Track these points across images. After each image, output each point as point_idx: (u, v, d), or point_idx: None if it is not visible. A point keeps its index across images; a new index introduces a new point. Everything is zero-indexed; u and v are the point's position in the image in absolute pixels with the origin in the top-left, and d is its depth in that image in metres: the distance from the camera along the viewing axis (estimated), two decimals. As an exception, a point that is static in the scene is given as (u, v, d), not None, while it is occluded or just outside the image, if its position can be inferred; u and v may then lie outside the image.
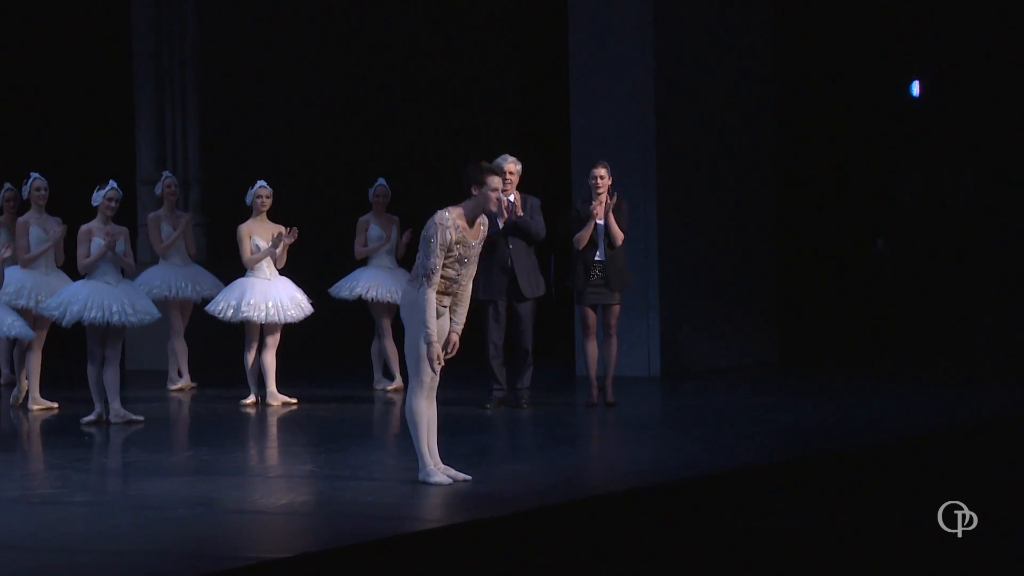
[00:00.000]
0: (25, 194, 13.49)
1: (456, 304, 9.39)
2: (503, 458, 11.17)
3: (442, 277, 9.22)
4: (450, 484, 9.38)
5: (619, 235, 12.93)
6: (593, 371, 13.11)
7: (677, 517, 9.14)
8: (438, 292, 9.25)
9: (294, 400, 13.54)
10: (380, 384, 14.43)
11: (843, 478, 10.14)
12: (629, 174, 14.81)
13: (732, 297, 15.94)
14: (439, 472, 9.47)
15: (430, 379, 9.36)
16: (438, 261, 9.14)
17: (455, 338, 9.40)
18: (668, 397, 14.28)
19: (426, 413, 9.43)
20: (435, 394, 9.50)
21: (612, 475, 10.45)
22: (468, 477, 9.51)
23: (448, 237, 9.14)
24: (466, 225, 9.24)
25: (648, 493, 9.44)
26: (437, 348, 9.24)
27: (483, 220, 9.36)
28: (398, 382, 14.28)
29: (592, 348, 13.11)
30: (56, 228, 13.20)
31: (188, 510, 9.09)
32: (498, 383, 13.01)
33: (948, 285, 17.03)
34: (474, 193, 9.21)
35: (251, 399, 13.52)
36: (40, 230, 13.39)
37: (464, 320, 9.44)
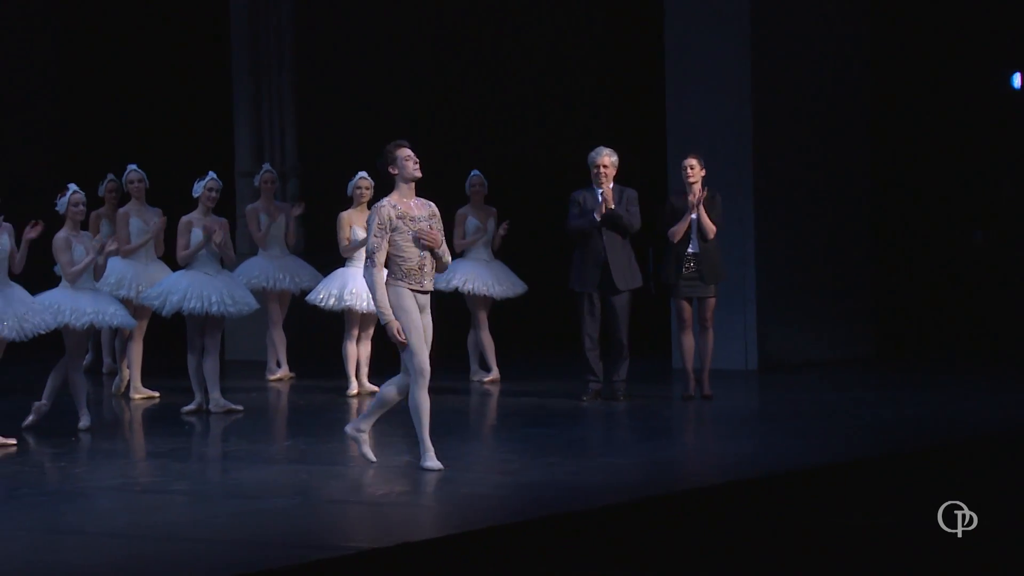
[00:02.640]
0: (103, 189, 13.72)
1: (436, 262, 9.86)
2: (599, 450, 11.17)
3: (407, 259, 9.68)
4: (441, 469, 9.78)
5: (711, 228, 12.88)
6: (689, 364, 13.08)
7: (773, 511, 9.09)
8: (412, 275, 9.70)
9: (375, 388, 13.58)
10: (477, 376, 14.46)
11: (941, 474, 10.05)
12: (725, 167, 14.75)
13: (829, 290, 15.84)
14: (436, 460, 9.88)
15: (427, 367, 9.80)
16: (377, 241, 9.66)
17: (438, 237, 9.80)
18: (765, 390, 14.22)
19: (427, 403, 9.89)
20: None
21: (708, 468, 10.42)
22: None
23: (386, 215, 9.71)
24: (404, 201, 9.81)
25: (744, 487, 9.41)
26: (396, 325, 9.63)
27: (424, 201, 9.89)
28: (495, 374, 14.31)
29: (688, 341, 13.07)
30: (156, 219, 13.36)
31: (286, 499, 9.17)
32: (594, 375, 13.01)
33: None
34: (394, 172, 9.87)
35: (354, 389, 13.58)
36: (140, 221, 13.55)
37: (448, 258, 9.93)
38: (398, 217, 9.75)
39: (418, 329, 9.74)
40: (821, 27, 15.81)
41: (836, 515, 8.85)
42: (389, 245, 9.72)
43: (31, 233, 11.26)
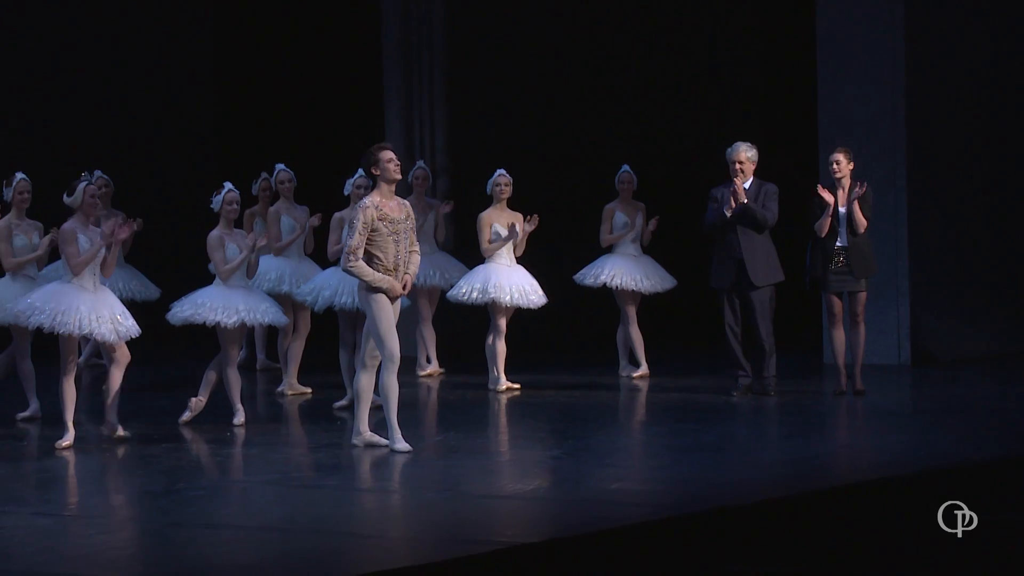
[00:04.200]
0: (256, 187, 13.92)
1: (408, 263, 10.55)
2: (749, 446, 11.10)
3: (382, 256, 10.35)
4: (410, 451, 10.39)
5: (862, 222, 12.75)
6: (840, 359, 12.95)
7: (927, 508, 8.98)
8: (388, 275, 10.35)
9: (517, 386, 13.61)
10: (626, 371, 14.44)
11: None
12: (878, 161, 14.58)
13: (985, 284, 15.59)
14: (399, 440, 10.45)
15: (396, 352, 10.37)
16: (360, 239, 10.33)
17: (407, 278, 10.53)
18: (918, 386, 14.04)
19: (395, 385, 10.42)
20: (374, 368, 10.49)
21: (860, 464, 10.32)
22: (385, 443, 10.49)
23: (370, 216, 10.33)
24: (386, 202, 10.44)
25: (898, 483, 9.30)
26: (394, 282, 10.36)
27: (403, 202, 10.58)
28: (644, 369, 14.28)
29: (839, 336, 12.95)
30: (305, 217, 13.54)
31: (437, 494, 9.23)
32: (743, 370, 12.93)
33: None
34: (376, 173, 10.47)
35: (504, 384, 13.62)
36: (290, 219, 13.76)
37: (416, 268, 10.61)
38: (379, 219, 10.41)
39: (390, 318, 10.39)
40: (977, 17, 15.56)
41: (990, 513, 8.71)
42: (367, 243, 10.37)
43: (122, 233, 11.31)
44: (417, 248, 10.65)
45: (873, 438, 11.47)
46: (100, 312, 10.94)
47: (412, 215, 10.63)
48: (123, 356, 11.18)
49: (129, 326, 11.08)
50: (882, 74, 14.94)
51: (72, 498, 9.69)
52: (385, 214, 10.43)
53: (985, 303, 15.56)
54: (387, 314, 10.42)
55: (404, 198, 14.84)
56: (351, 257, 10.38)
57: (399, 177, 10.56)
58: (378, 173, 10.48)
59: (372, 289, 10.41)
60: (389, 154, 10.48)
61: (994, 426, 11.32)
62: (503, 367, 13.65)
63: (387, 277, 10.40)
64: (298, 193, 14.11)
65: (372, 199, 10.47)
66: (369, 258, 10.42)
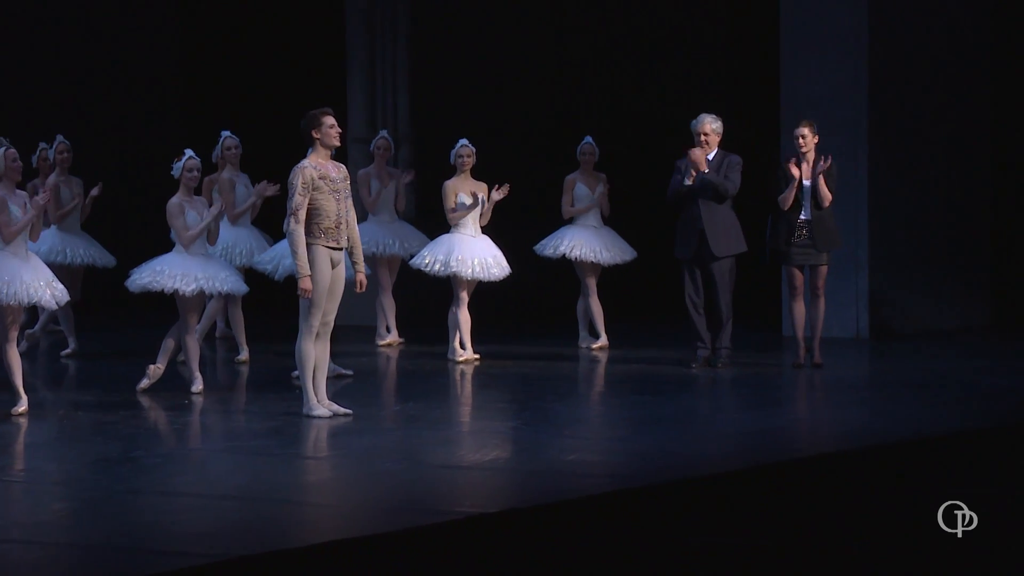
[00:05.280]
0: (216, 154, 13.75)
1: (352, 247, 10.70)
2: (707, 418, 11.13)
3: (326, 212, 10.45)
4: (331, 417, 10.55)
5: (827, 196, 12.78)
6: (800, 332, 12.99)
7: (884, 480, 9.02)
8: (330, 233, 10.47)
9: (476, 356, 13.60)
10: (585, 342, 14.45)
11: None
12: (840, 133, 14.59)
13: (944, 258, 15.65)
14: (321, 407, 10.62)
15: (318, 322, 10.54)
16: (302, 199, 10.43)
17: (361, 278, 10.78)
18: (876, 359, 14.09)
19: (313, 354, 10.58)
20: (328, 334, 10.68)
21: (817, 437, 10.35)
22: (349, 411, 10.68)
23: (309, 175, 10.46)
24: (323, 163, 10.58)
25: (854, 456, 9.34)
26: (308, 283, 10.43)
27: (340, 165, 10.69)
28: (604, 340, 14.29)
29: (799, 308, 12.98)
30: (259, 186, 13.41)
31: (395, 464, 9.22)
32: (702, 341, 12.95)
33: None
34: (316, 136, 10.58)
35: (468, 355, 13.60)
36: (242, 187, 13.68)
37: (362, 260, 10.81)
38: (320, 177, 10.51)
39: (323, 288, 10.47)
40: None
41: (947, 485, 8.75)
42: (309, 204, 10.46)
43: (41, 200, 10.98)
44: (355, 221, 10.76)
45: (831, 411, 11.51)
46: (38, 279, 10.88)
47: (348, 176, 10.76)
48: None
49: (61, 291, 11.06)
50: (845, 47, 14.95)
51: (27, 464, 9.64)
52: (324, 173, 10.56)
53: (944, 277, 15.62)
54: (323, 285, 10.50)
55: (366, 167, 14.93)
56: (292, 220, 10.49)
57: (338, 144, 10.70)
58: (319, 137, 10.59)
59: (314, 259, 10.49)
60: (331, 119, 10.62)
61: (952, 399, 11.37)
62: (469, 337, 13.63)
63: (307, 272, 10.42)
64: (262, 161, 14.01)
65: (309, 160, 10.60)
66: (311, 216, 10.49)
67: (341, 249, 10.65)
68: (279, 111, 18.60)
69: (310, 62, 19.02)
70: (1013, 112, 16.40)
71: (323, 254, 10.53)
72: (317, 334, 10.64)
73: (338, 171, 10.67)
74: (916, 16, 15.36)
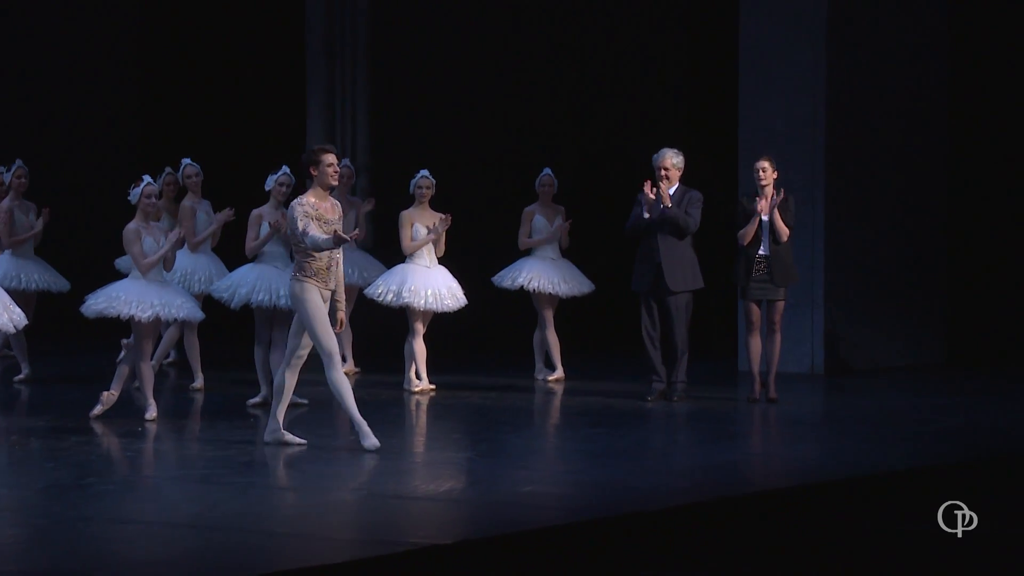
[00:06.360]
0: (162, 182, 13.77)
1: (335, 285, 10.53)
2: (662, 452, 11.14)
3: (317, 258, 10.34)
4: (379, 448, 10.39)
5: (784, 231, 12.83)
6: (756, 366, 13.03)
7: (838, 517, 9.04)
8: (321, 274, 10.37)
9: (432, 387, 13.59)
10: (541, 374, 14.45)
11: (1013, 482, 9.95)
12: (797, 170, 14.66)
13: (899, 295, 15.72)
14: (284, 435, 10.64)
15: (336, 351, 10.43)
16: (308, 221, 10.32)
17: (341, 316, 10.61)
18: (831, 395, 14.13)
19: (291, 386, 10.61)
20: (299, 367, 10.61)
21: (771, 472, 10.37)
22: (303, 441, 10.64)
23: (309, 212, 10.35)
24: (320, 203, 10.44)
25: (808, 491, 9.36)
26: (333, 238, 10.24)
27: (335, 202, 10.57)
28: (560, 372, 14.30)
29: (755, 343, 13.03)
30: (214, 213, 13.43)
31: (350, 494, 9.20)
32: (657, 375, 12.98)
33: None
34: (314, 174, 10.43)
35: (423, 386, 13.59)
36: (203, 214, 13.66)
37: (343, 299, 10.63)
38: (316, 218, 10.41)
39: (324, 315, 10.40)
40: (898, 28, 15.69)
41: (902, 522, 8.78)
42: (300, 243, 10.37)
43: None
44: (342, 276, 10.66)
45: (785, 446, 11.53)
46: None
47: (343, 216, 10.68)
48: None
49: (19, 315, 11.03)
50: (803, 84, 15.03)
51: (-21, 490, 9.57)
52: (321, 214, 10.44)
53: (899, 314, 15.70)
54: (321, 312, 10.41)
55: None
56: (306, 239, 10.31)
57: (336, 184, 10.58)
58: (316, 174, 10.46)
59: (308, 294, 10.37)
60: (331, 158, 10.47)
61: (905, 436, 11.41)
62: (424, 368, 13.61)
63: (329, 235, 10.31)
64: (220, 188, 13.99)
65: (307, 198, 10.45)
66: (302, 260, 10.44)
67: (331, 291, 10.55)
68: (238, 138, 18.62)
69: (269, 90, 19.02)
70: (970, 149, 16.52)
71: (315, 290, 10.43)
72: (289, 364, 10.60)
73: (334, 212, 10.54)
74: (874, 54, 15.47)
